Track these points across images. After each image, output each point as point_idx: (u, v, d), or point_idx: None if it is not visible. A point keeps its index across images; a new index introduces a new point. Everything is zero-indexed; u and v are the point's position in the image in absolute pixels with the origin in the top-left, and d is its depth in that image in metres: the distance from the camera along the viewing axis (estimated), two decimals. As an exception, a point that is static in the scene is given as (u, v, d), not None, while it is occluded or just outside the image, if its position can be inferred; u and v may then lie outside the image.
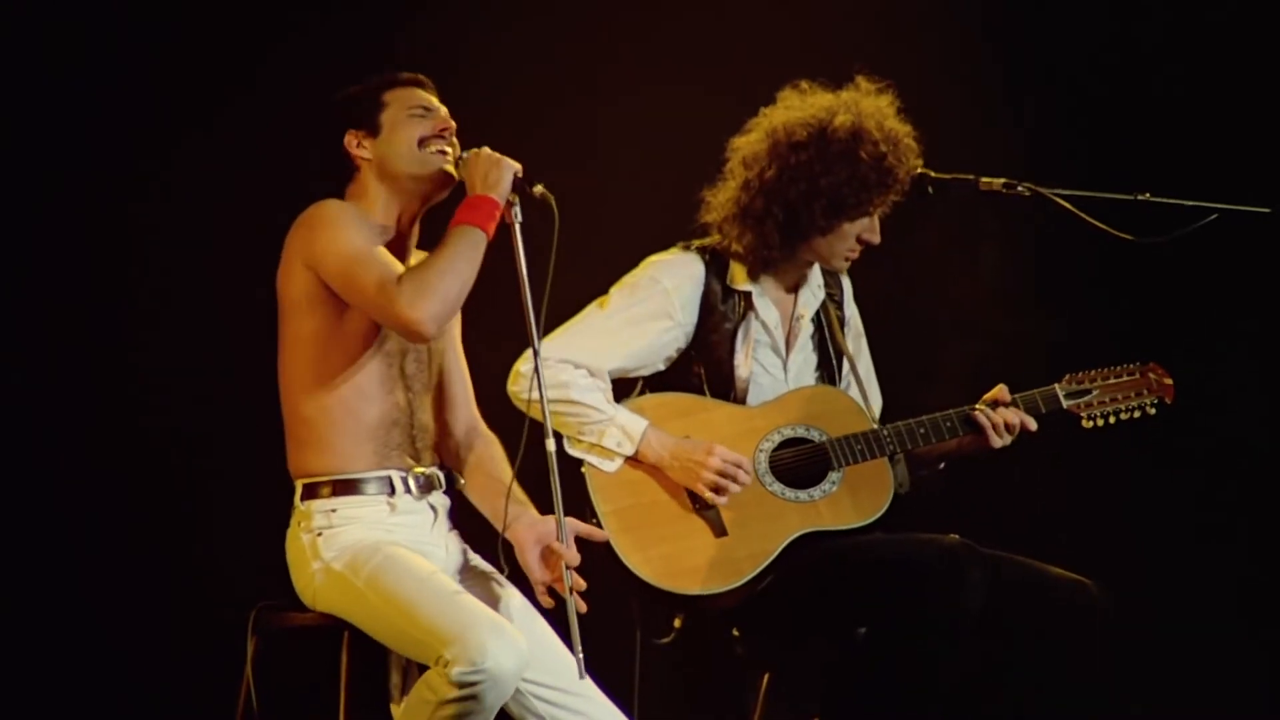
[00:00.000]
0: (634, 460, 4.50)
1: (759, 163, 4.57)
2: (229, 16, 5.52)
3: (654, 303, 4.57)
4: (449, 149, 4.21)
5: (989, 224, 5.48)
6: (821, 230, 4.56)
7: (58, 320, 5.43)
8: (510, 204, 4.09)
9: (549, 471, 4.00)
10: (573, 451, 4.50)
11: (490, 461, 4.32)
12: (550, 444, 4.01)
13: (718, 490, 4.45)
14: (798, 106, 4.57)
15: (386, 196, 4.23)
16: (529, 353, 4.28)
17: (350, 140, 4.23)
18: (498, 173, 4.09)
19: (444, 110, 4.27)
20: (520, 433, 4.15)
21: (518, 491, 4.23)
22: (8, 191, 5.41)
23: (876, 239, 4.59)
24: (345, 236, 4.07)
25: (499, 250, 4.09)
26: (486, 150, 4.14)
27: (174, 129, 5.50)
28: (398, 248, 4.20)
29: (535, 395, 4.13)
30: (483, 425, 4.38)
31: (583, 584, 4.09)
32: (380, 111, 4.23)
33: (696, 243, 4.67)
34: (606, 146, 5.68)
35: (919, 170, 4.57)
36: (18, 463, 5.39)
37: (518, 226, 4.08)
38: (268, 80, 5.55)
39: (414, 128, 4.21)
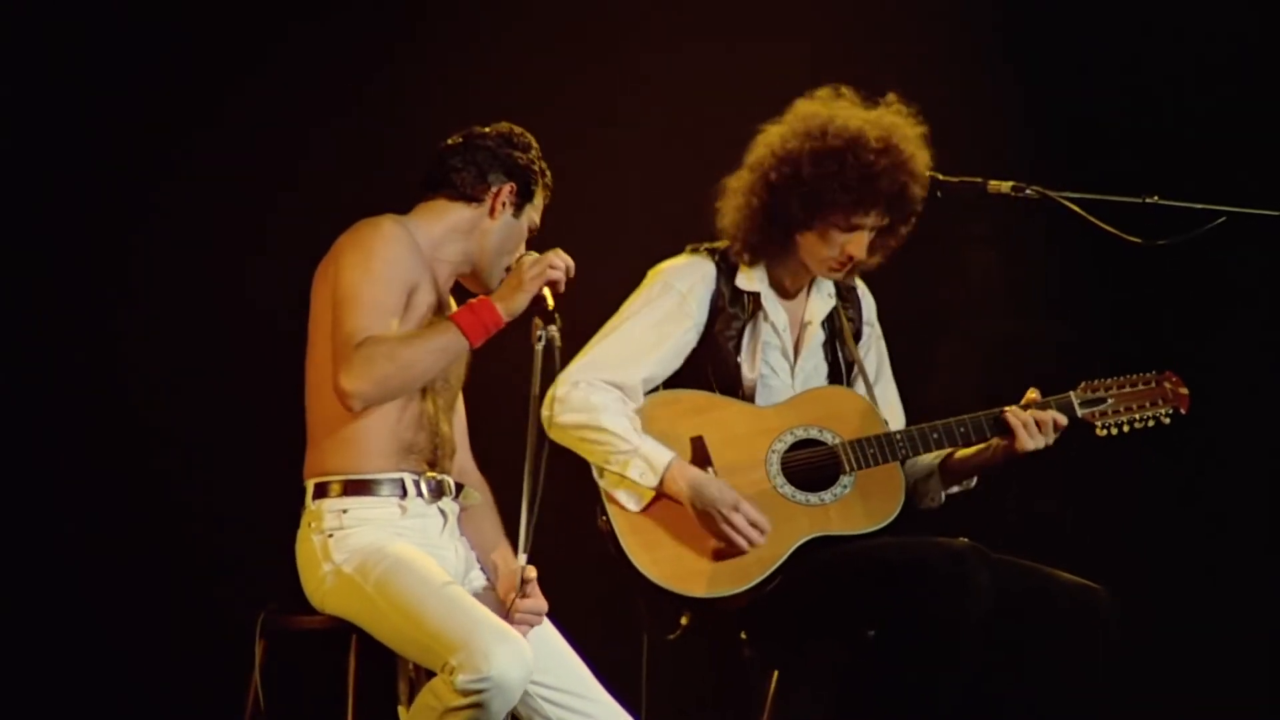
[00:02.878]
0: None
1: (765, 147, 4.57)
2: (229, 15, 5.51)
3: (672, 307, 4.57)
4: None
5: (996, 227, 5.48)
6: (801, 224, 4.54)
7: (64, 321, 5.43)
8: (537, 327, 4.05)
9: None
10: (602, 483, 4.50)
11: (477, 509, 4.33)
12: (523, 558, 4.04)
13: (731, 543, 4.43)
14: (828, 104, 4.57)
15: (459, 244, 4.21)
16: (562, 376, 4.37)
17: (505, 189, 4.21)
18: (516, 291, 4.07)
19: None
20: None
21: (503, 545, 4.28)
22: (9, 192, 5.40)
23: (860, 255, 4.54)
24: (368, 269, 4.06)
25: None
26: (525, 267, 4.09)
27: (175, 128, 5.49)
28: (429, 277, 4.18)
29: (563, 419, 4.39)
30: (473, 468, 4.40)
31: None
32: (529, 200, 4.24)
33: (705, 245, 4.67)
34: (617, 148, 5.67)
35: (918, 207, 4.55)
36: (22, 464, 5.39)
37: (539, 350, 4.06)
38: (269, 78, 5.54)
39: (517, 245, 4.23)
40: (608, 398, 4.48)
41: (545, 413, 4.44)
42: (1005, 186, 4.57)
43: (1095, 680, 4.39)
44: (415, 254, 4.15)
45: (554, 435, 4.42)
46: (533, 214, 4.27)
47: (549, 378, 4.15)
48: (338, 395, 4.02)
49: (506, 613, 4.09)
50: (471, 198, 4.23)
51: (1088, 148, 5.56)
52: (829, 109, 4.54)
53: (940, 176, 4.58)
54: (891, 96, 4.56)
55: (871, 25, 5.65)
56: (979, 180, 4.59)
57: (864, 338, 4.77)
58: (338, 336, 4.03)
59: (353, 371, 3.98)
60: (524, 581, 4.11)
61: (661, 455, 4.47)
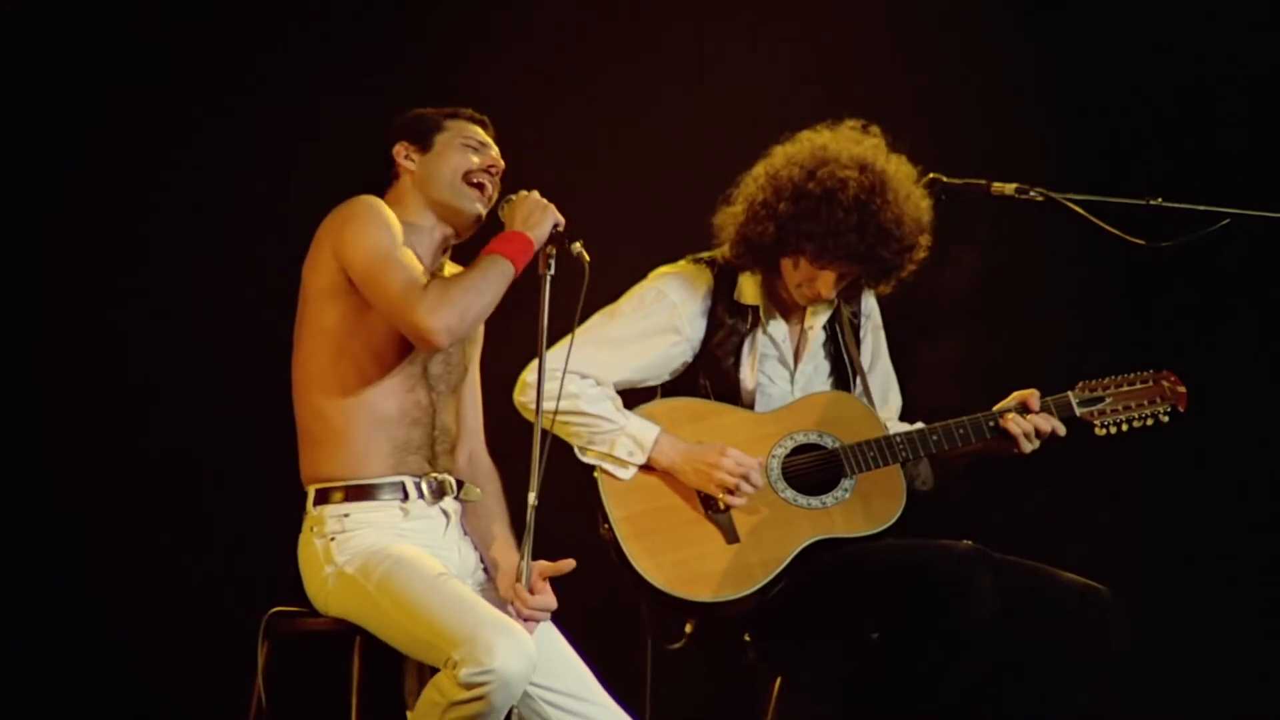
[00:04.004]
0: (647, 466, 4.50)
1: (766, 165, 4.57)
2: (229, 18, 5.52)
3: (661, 317, 4.58)
4: (489, 186, 4.27)
5: (1000, 228, 5.47)
6: (774, 249, 4.53)
7: (66, 323, 5.43)
8: (548, 255, 4.13)
9: (525, 527, 4.03)
10: (586, 459, 4.51)
11: (484, 498, 4.33)
12: (532, 498, 4.02)
13: (730, 491, 4.45)
14: (841, 140, 4.54)
15: (419, 209, 4.27)
16: (535, 363, 4.32)
17: (400, 149, 4.29)
18: (539, 216, 4.15)
19: (496, 150, 4.32)
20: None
21: (507, 539, 4.30)
22: (11, 195, 5.41)
23: (827, 294, 4.55)
24: (377, 233, 4.10)
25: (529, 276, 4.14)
26: (535, 195, 4.20)
27: (177, 131, 5.50)
28: (413, 252, 4.20)
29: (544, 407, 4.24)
30: (485, 456, 4.42)
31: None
32: (436, 132, 4.30)
33: (705, 255, 4.67)
34: (619, 154, 5.67)
35: (894, 267, 4.52)
36: (24, 465, 5.40)
37: (549, 279, 4.12)
38: (269, 80, 5.55)
39: (463, 157, 4.27)
40: (583, 385, 4.49)
41: (519, 398, 4.50)
42: (1009, 188, 4.56)
43: (1099, 680, 4.38)
44: (396, 224, 4.19)
45: (527, 416, 4.45)
46: (457, 134, 4.30)
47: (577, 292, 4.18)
48: (416, 337, 4.05)
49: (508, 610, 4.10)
50: (392, 177, 4.31)
51: (1091, 149, 5.56)
52: (835, 148, 4.51)
53: (944, 179, 4.58)
54: (901, 157, 4.53)
55: (877, 27, 5.64)
56: (983, 182, 4.58)
57: (862, 323, 4.75)
58: (390, 293, 4.04)
59: (432, 308, 4.02)
60: (536, 579, 4.13)
61: (648, 430, 4.49)
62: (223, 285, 5.50)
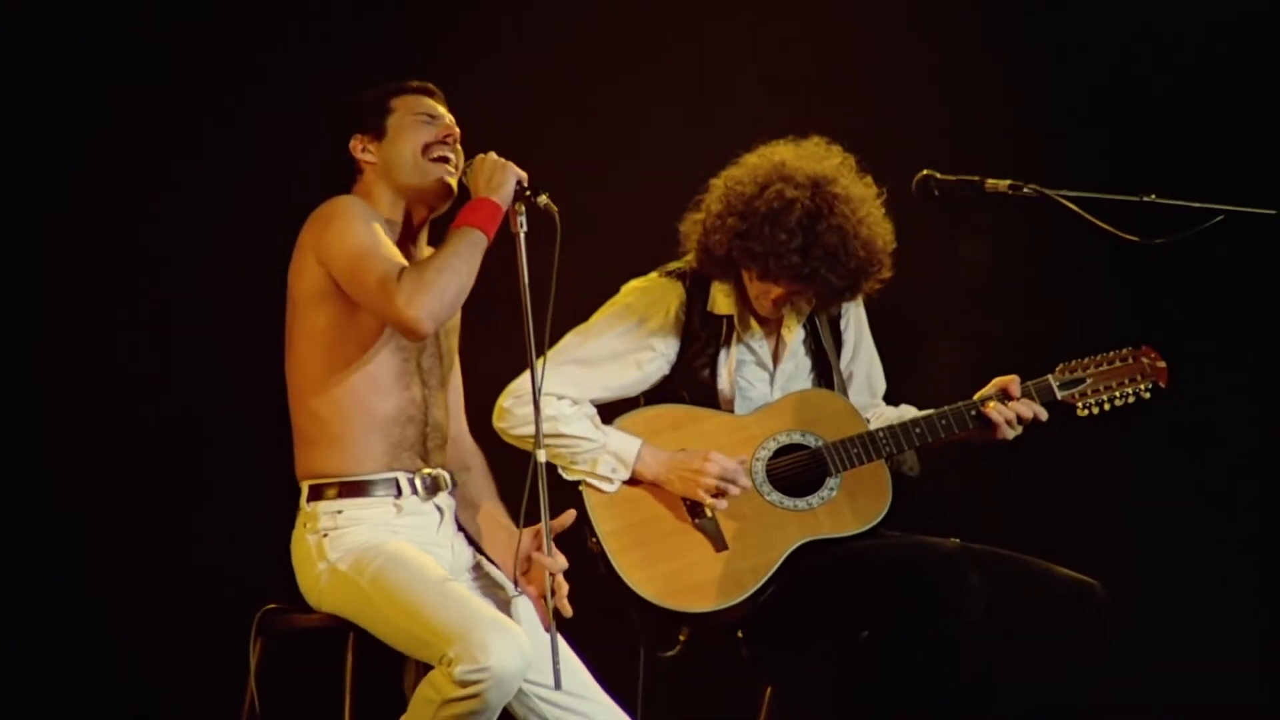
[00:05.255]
0: (632, 478, 4.50)
1: (726, 176, 4.56)
2: (229, 18, 5.53)
3: (636, 335, 4.57)
4: (451, 155, 4.25)
5: (993, 225, 5.47)
6: (729, 262, 4.51)
7: (63, 321, 5.45)
8: (516, 213, 4.11)
9: (537, 481, 4.02)
10: (569, 478, 4.51)
11: (471, 477, 4.36)
12: (541, 455, 4.02)
13: (718, 495, 4.44)
14: (802, 157, 4.51)
15: (391, 199, 4.27)
16: (511, 387, 4.42)
17: (356, 144, 4.28)
18: (501, 176, 4.13)
19: (449, 118, 4.31)
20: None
21: (501, 513, 4.31)
22: (11, 195, 5.42)
23: (779, 308, 4.54)
24: (354, 232, 4.10)
25: (504, 258, 4.12)
26: (492, 155, 4.17)
27: (174, 129, 5.51)
28: (404, 250, 4.21)
29: (518, 431, 4.41)
30: (469, 438, 4.42)
31: (566, 603, 4.11)
32: (386, 116, 4.28)
33: (675, 266, 4.64)
34: (619, 153, 5.67)
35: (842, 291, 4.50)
36: (24, 464, 5.41)
37: (522, 236, 4.10)
38: (269, 81, 5.56)
39: (418, 134, 4.25)
40: (559, 406, 4.49)
41: (499, 424, 4.51)
42: (1003, 185, 4.55)
43: (1091, 674, 4.37)
44: (377, 216, 4.20)
45: (510, 441, 4.47)
46: (407, 111, 4.28)
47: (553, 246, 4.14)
48: (401, 328, 4.04)
49: (514, 578, 4.15)
50: (355, 172, 4.30)
51: (1085, 146, 5.55)
52: (794, 164, 4.47)
53: (938, 175, 4.56)
54: (866, 178, 4.51)
55: (876, 26, 5.64)
56: (976, 179, 4.57)
57: (843, 312, 4.72)
58: (369, 286, 4.04)
59: (409, 296, 3.99)
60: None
61: (630, 445, 4.49)
62: (223, 285, 5.50)
